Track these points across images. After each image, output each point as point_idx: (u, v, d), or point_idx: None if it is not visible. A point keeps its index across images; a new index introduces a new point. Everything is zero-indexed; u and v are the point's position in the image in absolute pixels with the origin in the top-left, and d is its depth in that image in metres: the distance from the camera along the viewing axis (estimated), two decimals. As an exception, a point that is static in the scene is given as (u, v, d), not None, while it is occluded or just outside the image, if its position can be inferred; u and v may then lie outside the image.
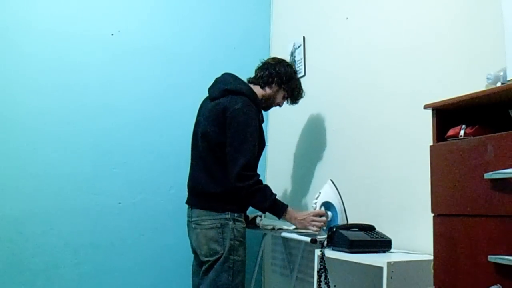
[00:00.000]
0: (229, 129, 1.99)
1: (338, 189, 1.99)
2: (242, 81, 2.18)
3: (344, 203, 1.98)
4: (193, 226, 2.06)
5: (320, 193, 1.97)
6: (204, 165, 2.08)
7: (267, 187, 2.03)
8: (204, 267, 2.02)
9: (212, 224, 1.99)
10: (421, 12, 1.75)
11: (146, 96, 2.68)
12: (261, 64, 2.28)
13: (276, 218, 2.08)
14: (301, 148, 2.61)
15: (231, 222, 1.99)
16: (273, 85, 2.21)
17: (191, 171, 2.17)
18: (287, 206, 2.03)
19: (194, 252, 2.12)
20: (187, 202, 2.16)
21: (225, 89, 2.09)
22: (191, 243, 2.13)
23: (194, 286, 2.16)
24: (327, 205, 1.97)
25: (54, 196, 2.41)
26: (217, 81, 2.19)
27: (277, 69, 2.21)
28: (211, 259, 1.98)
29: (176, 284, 2.58)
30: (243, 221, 2.07)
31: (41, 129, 2.43)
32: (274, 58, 2.31)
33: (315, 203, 1.95)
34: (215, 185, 2.02)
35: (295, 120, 2.68)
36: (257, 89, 2.19)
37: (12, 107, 2.39)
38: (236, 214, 2.02)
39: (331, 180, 1.99)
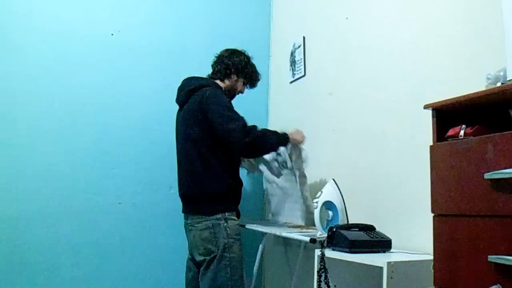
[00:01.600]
0: (211, 113, 2.05)
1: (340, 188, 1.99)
2: (200, 77, 2.26)
3: (345, 202, 1.98)
4: (189, 228, 2.14)
5: (321, 192, 1.97)
6: (188, 168, 2.14)
7: (264, 129, 2.18)
8: (202, 268, 2.06)
9: (205, 225, 2.06)
10: (421, 12, 1.75)
11: (146, 96, 2.69)
12: (215, 59, 2.36)
13: None
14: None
15: (222, 222, 2.04)
16: (232, 75, 2.31)
17: (178, 181, 2.23)
18: (286, 133, 2.18)
19: (191, 249, 2.17)
20: (182, 211, 2.22)
21: (188, 90, 2.19)
22: (188, 243, 2.19)
23: (187, 280, 2.20)
24: (328, 205, 1.97)
25: (54, 196, 2.42)
26: (179, 89, 2.28)
27: (231, 60, 2.30)
28: (207, 258, 2.04)
29: (176, 283, 2.57)
30: (236, 218, 2.12)
31: (41, 129, 2.43)
32: (227, 50, 2.37)
33: (316, 202, 1.95)
34: (200, 187, 2.08)
35: (295, 120, 2.68)
36: (218, 83, 2.27)
37: (12, 107, 2.39)
38: (227, 213, 2.06)
39: (333, 179, 1.99)
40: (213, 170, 2.08)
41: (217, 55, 2.36)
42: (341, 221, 1.92)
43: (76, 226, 2.45)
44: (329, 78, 2.38)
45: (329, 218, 1.97)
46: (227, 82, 2.30)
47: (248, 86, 2.41)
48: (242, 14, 3.03)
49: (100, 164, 2.54)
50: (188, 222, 2.15)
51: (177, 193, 2.25)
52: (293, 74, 2.73)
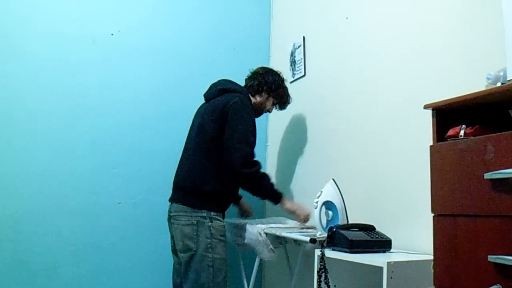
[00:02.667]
0: (230, 121, 2.05)
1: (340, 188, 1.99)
2: (237, 84, 2.27)
3: (345, 202, 1.98)
4: (172, 221, 2.12)
5: (321, 192, 1.97)
6: (190, 159, 2.15)
7: (267, 175, 2.17)
8: (182, 268, 2.04)
9: (188, 220, 2.04)
10: (421, 12, 1.75)
11: (146, 96, 2.69)
12: (250, 74, 2.38)
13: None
14: (301, 148, 2.61)
15: (207, 221, 2.03)
16: (263, 93, 2.33)
17: (177, 168, 2.24)
18: (282, 193, 2.18)
19: (174, 250, 2.16)
20: (169, 199, 2.21)
21: (220, 88, 2.20)
22: (171, 239, 2.17)
23: (174, 284, 2.19)
24: (328, 204, 1.97)
25: (54, 196, 2.42)
26: (213, 85, 2.29)
27: (266, 78, 2.33)
28: (184, 255, 2.02)
29: (176, 284, 2.58)
30: (221, 219, 2.11)
31: (41, 129, 2.43)
32: (263, 68, 2.40)
33: (316, 202, 1.94)
34: (196, 180, 2.08)
35: (295, 120, 2.68)
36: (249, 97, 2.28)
37: (12, 107, 2.39)
38: (213, 213, 2.05)
39: (333, 179, 1.99)
40: (214, 169, 2.07)
41: (252, 71, 2.39)
42: (341, 221, 1.92)
43: (76, 226, 2.45)
44: (329, 78, 2.38)
45: (329, 218, 1.97)
46: (258, 98, 2.33)
47: (277, 107, 2.43)
48: (242, 14, 3.03)
49: (100, 164, 2.54)
50: (172, 214, 2.12)
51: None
52: (293, 74, 2.73)
